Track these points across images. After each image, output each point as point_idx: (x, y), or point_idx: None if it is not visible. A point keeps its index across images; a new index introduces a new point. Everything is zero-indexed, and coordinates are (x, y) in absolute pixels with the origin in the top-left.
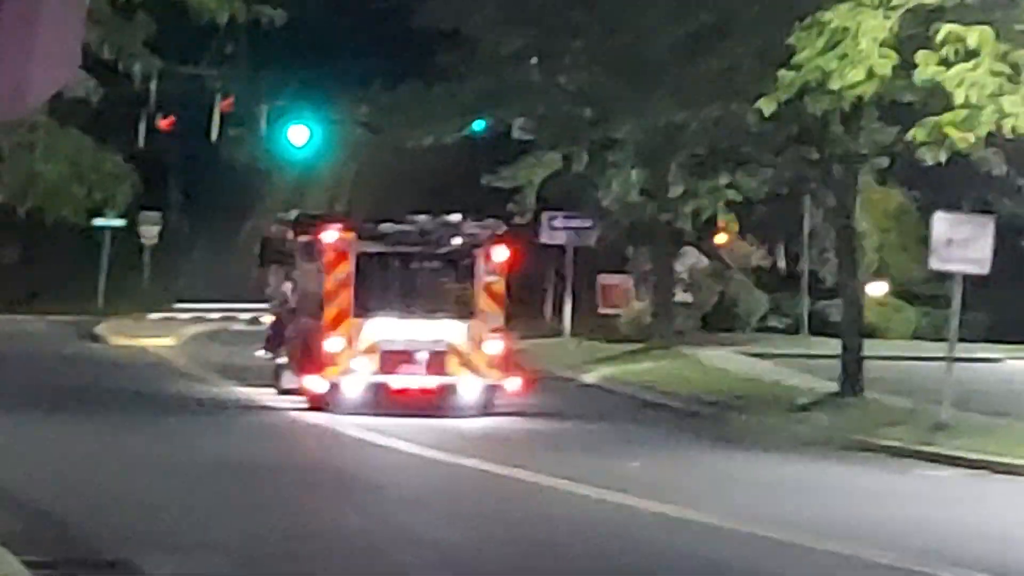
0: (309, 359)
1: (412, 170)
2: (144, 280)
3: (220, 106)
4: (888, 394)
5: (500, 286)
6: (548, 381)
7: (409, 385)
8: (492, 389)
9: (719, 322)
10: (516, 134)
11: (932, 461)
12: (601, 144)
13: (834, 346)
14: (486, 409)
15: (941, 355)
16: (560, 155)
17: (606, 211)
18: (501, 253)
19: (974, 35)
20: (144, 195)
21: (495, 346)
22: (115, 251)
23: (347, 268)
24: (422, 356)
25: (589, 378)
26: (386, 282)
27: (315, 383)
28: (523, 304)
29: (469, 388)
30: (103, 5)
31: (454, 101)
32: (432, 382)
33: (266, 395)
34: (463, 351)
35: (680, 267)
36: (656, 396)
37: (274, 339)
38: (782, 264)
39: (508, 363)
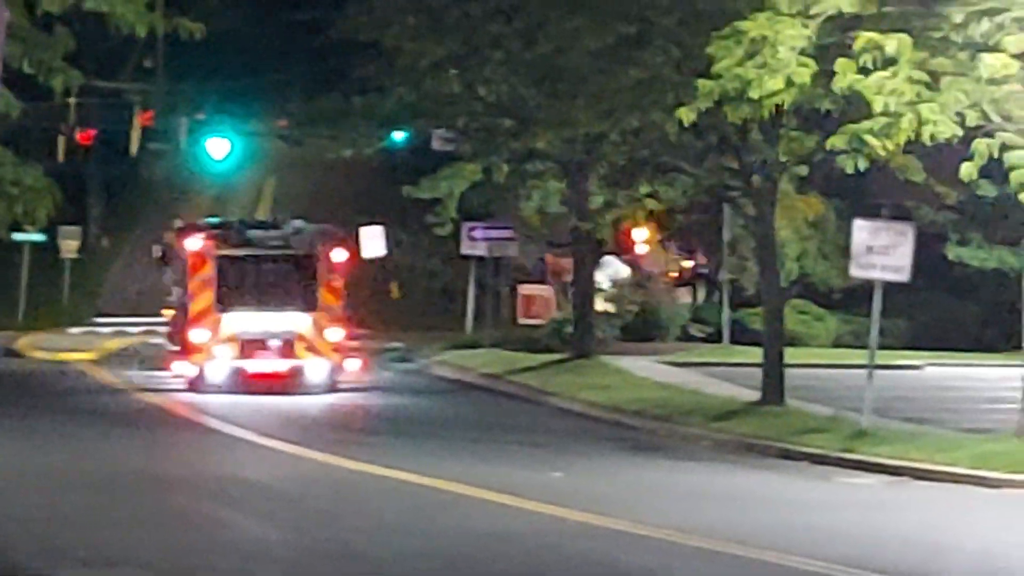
0: (182, 348)
1: (332, 182)
2: (64, 295)
3: (139, 120)
4: (809, 402)
5: (339, 283)
6: (469, 389)
7: (264, 368)
8: (335, 370)
9: (640, 332)
10: (436, 145)
11: (853, 468)
12: (521, 155)
13: (755, 354)
14: (331, 387)
15: (862, 363)
16: (480, 166)
17: (527, 222)
18: (340, 255)
19: (892, 43)
20: (64, 209)
21: (336, 333)
22: (35, 266)
23: (208, 270)
24: (274, 343)
25: (509, 388)
26: (242, 281)
27: (185, 368)
28: (444, 315)
29: (315, 370)
30: (22, 20)
31: (374, 113)
32: (283, 365)
33: (162, 378)
34: (309, 338)
35: (601, 277)
36: (577, 406)
37: (171, 331)
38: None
39: (347, 348)
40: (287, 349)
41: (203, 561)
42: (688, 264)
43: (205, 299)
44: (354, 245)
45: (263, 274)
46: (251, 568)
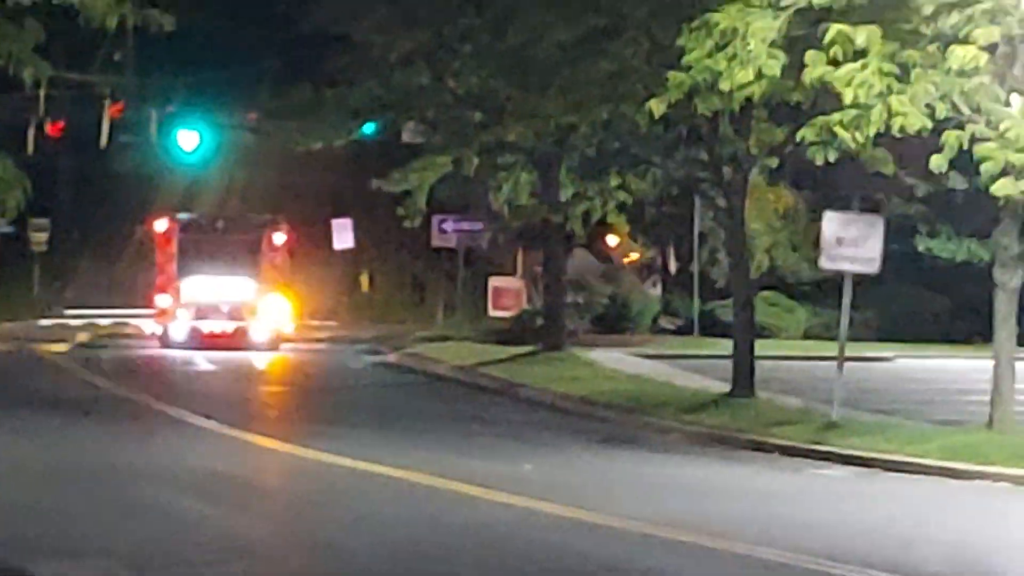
0: (154, 311)
1: (303, 174)
2: (34, 287)
3: (109, 112)
4: (780, 394)
5: (279, 260)
6: (439, 381)
7: (215, 329)
8: (275, 331)
9: (611, 324)
10: (406, 138)
11: (824, 460)
12: (491, 147)
13: (726, 346)
14: (273, 346)
15: (832, 354)
16: (450, 158)
17: (497, 214)
18: (280, 238)
19: (862, 35)
20: (33, 201)
21: (276, 301)
22: (4, 258)
23: (172, 248)
24: (225, 308)
25: (480, 380)
26: (200, 257)
27: (153, 327)
28: (414, 308)
29: (259, 330)
30: None
31: (344, 105)
32: (231, 326)
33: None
34: (253, 304)
35: (571, 269)
36: (548, 398)
37: None
38: (673, 265)
39: (285, 313)
40: (235, 312)
41: (178, 553)
42: (650, 256)
43: (169, 271)
44: (295, 232)
45: (216, 252)
46: (225, 560)
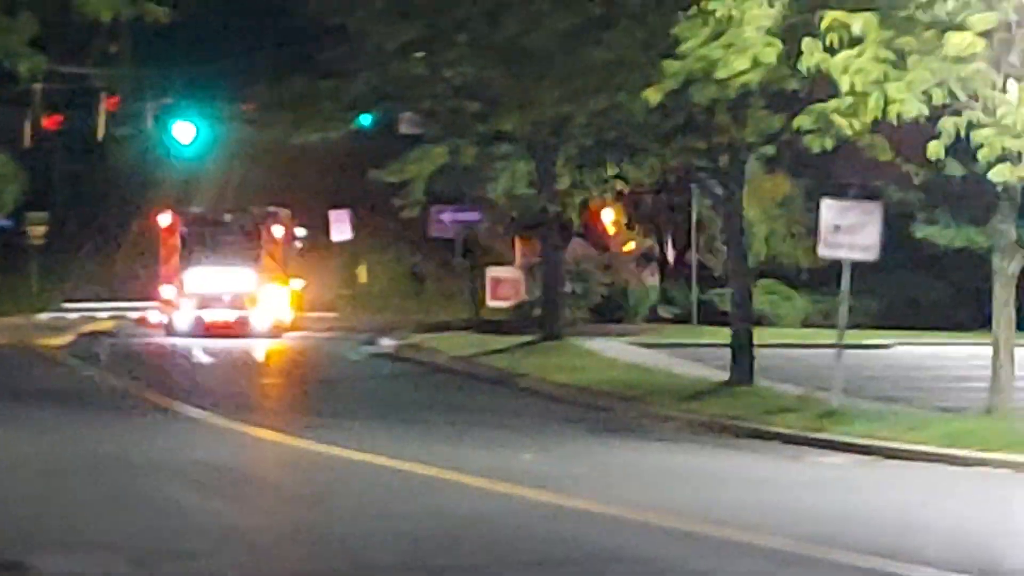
0: (158, 302)
1: (300, 166)
2: (32, 280)
3: (105, 105)
4: (779, 382)
5: (278, 251)
6: (438, 371)
7: (217, 318)
8: (276, 321)
9: (609, 313)
10: (403, 129)
11: (823, 447)
12: (488, 137)
13: (724, 335)
14: (272, 336)
15: (831, 342)
16: (447, 149)
17: (494, 204)
18: (278, 230)
19: (858, 22)
20: (31, 195)
21: (275, 290)
22: (2, 252)
23: (175, 240)
24: (226, 298)
25: (478, 370)
26: (202, 249)
27: (157, 316)
28: (412, 298)
29: (259, 319)
30: None
31: (340, 97)
32: (233, 315)
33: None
34: (254, 294)
35: (569, 259)
36: (547, 387)
37: None
38: (671, 254)
39: (285, 303)
40: (236, 302)
41: (178, 545)
42: (648, 245)
43: (173, 263)
44: (293, 224)
45: (218, 244)
46: (225, 551)
